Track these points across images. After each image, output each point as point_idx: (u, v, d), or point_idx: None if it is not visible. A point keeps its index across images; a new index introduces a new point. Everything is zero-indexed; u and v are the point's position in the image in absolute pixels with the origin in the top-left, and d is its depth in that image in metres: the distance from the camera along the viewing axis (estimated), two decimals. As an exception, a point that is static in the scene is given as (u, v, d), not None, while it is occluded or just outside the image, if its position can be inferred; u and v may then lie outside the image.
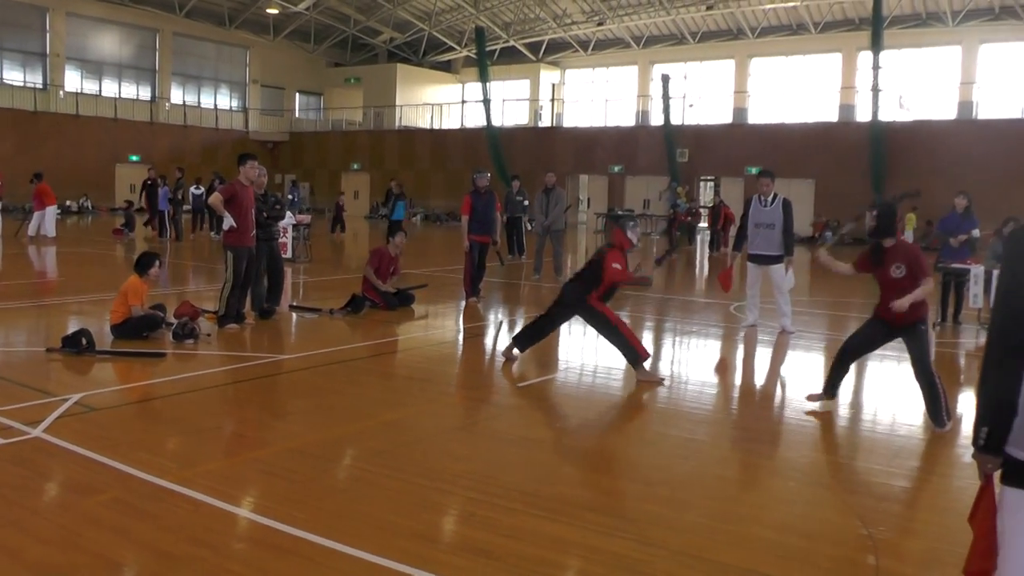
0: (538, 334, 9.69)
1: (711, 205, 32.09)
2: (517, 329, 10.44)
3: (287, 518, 4.92)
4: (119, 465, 5.71)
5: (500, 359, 9.85)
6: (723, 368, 10.54)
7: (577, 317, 9.58)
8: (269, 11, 47.56)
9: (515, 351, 9.77)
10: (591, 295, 9.07)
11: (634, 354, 8.99)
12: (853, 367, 8.17)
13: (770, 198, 12.10)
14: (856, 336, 7.93)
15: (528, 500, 5.53)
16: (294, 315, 12.55)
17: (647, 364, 9.14)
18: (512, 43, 48.87)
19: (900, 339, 7.67)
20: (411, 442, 6.69)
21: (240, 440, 6.77)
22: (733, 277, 12.94)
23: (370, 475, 5.82)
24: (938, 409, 7.32)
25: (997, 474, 3.00)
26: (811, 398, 8.13)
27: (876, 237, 7.65)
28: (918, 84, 39.43)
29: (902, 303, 7.24)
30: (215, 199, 10.98)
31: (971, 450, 6.52)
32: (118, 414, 7.28)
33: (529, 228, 23.60)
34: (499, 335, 12.09)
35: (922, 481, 6.36)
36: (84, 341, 9.11)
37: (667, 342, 12.21)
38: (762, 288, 12.45)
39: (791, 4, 40.94)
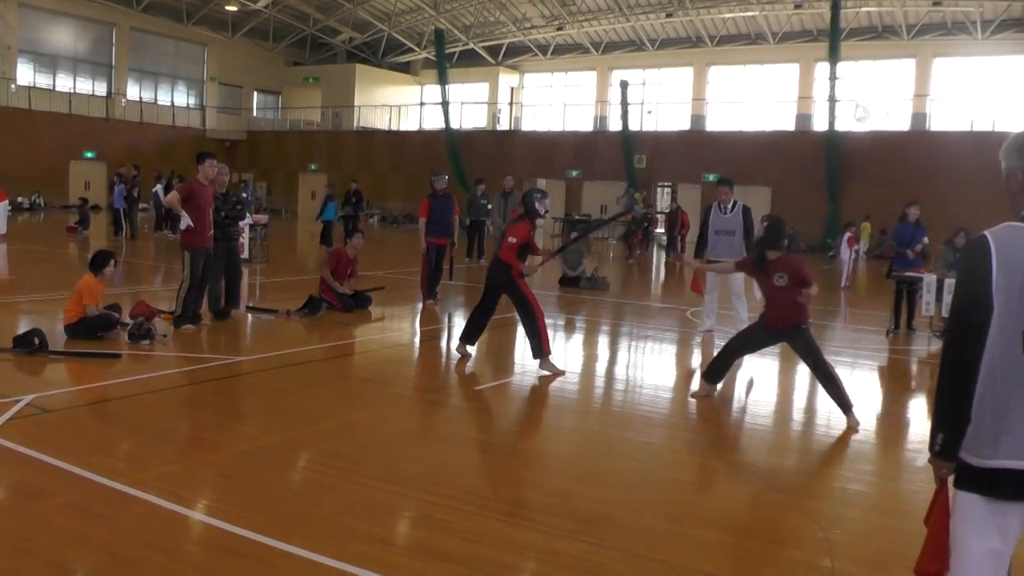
0: (481, 322, 9.95)
1: (669, 211, 32.28)
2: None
3: (244, 521, 4.87)
4: (72, 468, 5.60)
5: (456, 361, 9.88)
6: (681, 373, 10.60)
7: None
8: (228, 8, 47.06)
9: (467, 348, 10.01)
10: (513, 272, 9.41)
11: (540, 346, 9.30)
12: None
13: (729, 205, 12.27)
14: (741, 336, 8.48)
15: (485, 503, 5.54)
16: (251, 316, 12.44)
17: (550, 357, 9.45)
18: (472, 46, 48.87)
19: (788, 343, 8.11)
20: (368, 445, 6.66)
21: (196, 442, 6.67)
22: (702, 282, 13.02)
23: (327, 478, 5.77)
24: (842, 397, 7.74)
25: (951, 479, 3.05)
26: (697, 394, 8.63)
27: (762, 248, 8.17)
28: (874, 95, 40.09)
29: (809, 294, 7.85)
30: (172, 198, 10.86)
31: (922, 454, 6.69)
32: (71, 416, 7.15)
33: (490, 231, 23.64)
34: (456, 338, 12.06)
35: (875, 485, 6.44)
36: (36, 341, 8.95)
37: (623, 346, 12.27)
38: (720, 294, 12.54)
39: (750, 14, 41.36)
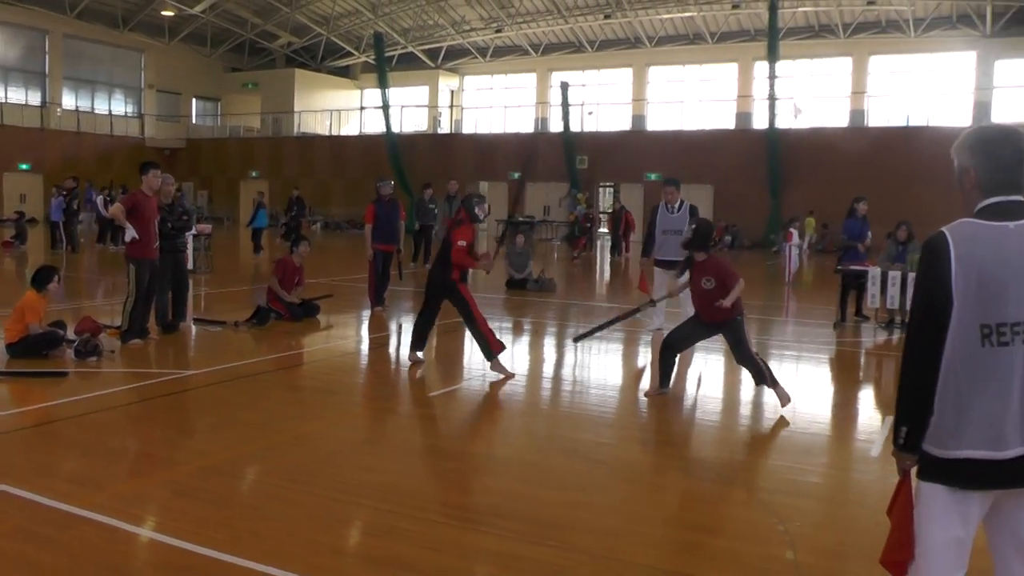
0: (426, 327, 10.00)
1: (612, 211, 32.46)
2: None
3: (204, 539, 4.78)
4: (21, 492, 5.43)
5: (407, 368, 9.85)
6: (632, 372, 10.66)
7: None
8: (165, 13, 46.04)
9: (418, 355, 10.04)
10: (452, 274, 9.52)
11: (488, 348, 9.43)
12: (736, 371, 8.55)
13: (676, 205, 12.37)
14: (678, 331, 8.70)
15: (446, 511, 5.54)
16: (199, 328, 12.22)
17: (501, 357, 9.55)
18: (411, 49, 48.68)
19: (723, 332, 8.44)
20: (324, 456, 6.59)
21: (150, 460, 6.54)
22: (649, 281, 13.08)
23: (285, 491, 5.70)
24: (763, 378, 8.20)
25: (913, 470, 3.11)
26: (649, 394, 8.74)
27: (690, 249, 8.47)
28: (812, 93, 40.85)
29: (728, 301, 8.04)
30: (116, 210, 10.63)
31: (874, 445, 6.81)
32: (18, 438, 6.94)
33: (437, 237, 23.60)
34: (406, 344, 12.00)
35: (830, 476, 6.54)
36: (-24, 361, 8.74)
37: (573, 347, 12.28)
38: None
39: (688, 14, 41.78)
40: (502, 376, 9.33)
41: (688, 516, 5.55)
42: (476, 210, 9.74)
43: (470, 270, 9.95)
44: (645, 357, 11.36)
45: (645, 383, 10.06)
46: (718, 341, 9.05)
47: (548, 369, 10.74)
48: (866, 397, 9.26)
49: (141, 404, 8.18)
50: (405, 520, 5.23)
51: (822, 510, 5.74)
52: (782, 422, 7.83)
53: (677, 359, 8.78)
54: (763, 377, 8.20)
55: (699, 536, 5.17)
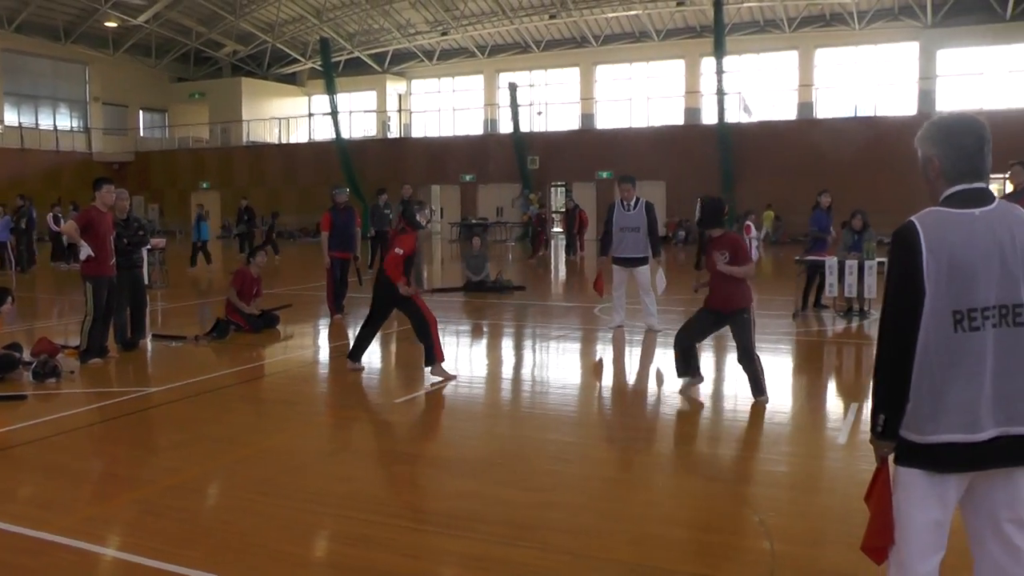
0: (369, 338, 9.96)
1: (566, 210, 32.49)
2: (384, 345, 10.35)
3: (180, 558, 4.72)
4: (-13, 519, 5.31)
5: (369, 377, 9.80)
6: (596, 370, 10.68)
7: None
8: (108, 24, 45.21)
9: (357, 365, 9.99)
10: (400, 285, 9.42)
11: (433, 353, 9.42)
12: (713, 362, 8.59)
13: (632, 202, 12.40)
14: (688, 325, 8.56)
15: (422, 517, 5.52)
16: (156, 344, 12.02)
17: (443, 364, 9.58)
18: (357, 54, 48.43)
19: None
20: (294, 468, 6.53)
21: (117, 481, 6.40)
22: (604, 281, 13.13)
23: (257, 505, 5.63)
24: (759, 385, 8.09)
25: (891, 456, 3.15)
26: (683, 391, 8.62)
27: (701, 226, 8.49)
28: (760, 87, 41.33)
29: (732, 269, 7.97)
30: (69, 227, 10.43)
31: (841, 432, 6.90)
32: (-22, 463, 6.79)
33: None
34: (367, 352, 11.95)
35: (800, 466, 6.60)
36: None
37: (536, 347, 12.31)
38: (628, 290, 12.70)
39: (633, 13, 42.03)
40: (443, 380, 9.38)
41: (661, 511, 5.57)
42: (417, 217, 9.65)
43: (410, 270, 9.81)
44: (608, 354, 11.38)
45: (613, 380, 10.12)
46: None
47: (513, 371, 10.72)
48: (829, 385, 9.37)
49: (104, 424, 8.04)
50: (379, 528, 5.21)
51: (795, 499, 5.79)
52: (749, 412, 7.90)
53: (694, 351, 8.69)
54: (760, 387, 8.09)
55: (674, 530, 5.20)
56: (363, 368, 10.00)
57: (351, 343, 11.41)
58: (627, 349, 11.61)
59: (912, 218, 3.04)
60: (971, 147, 3.07)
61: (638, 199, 12.49)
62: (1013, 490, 3.03)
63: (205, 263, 25.03)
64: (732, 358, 10.59)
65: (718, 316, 8.28)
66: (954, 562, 3.31)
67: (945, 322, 2.94)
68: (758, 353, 8.19)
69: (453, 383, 9.34)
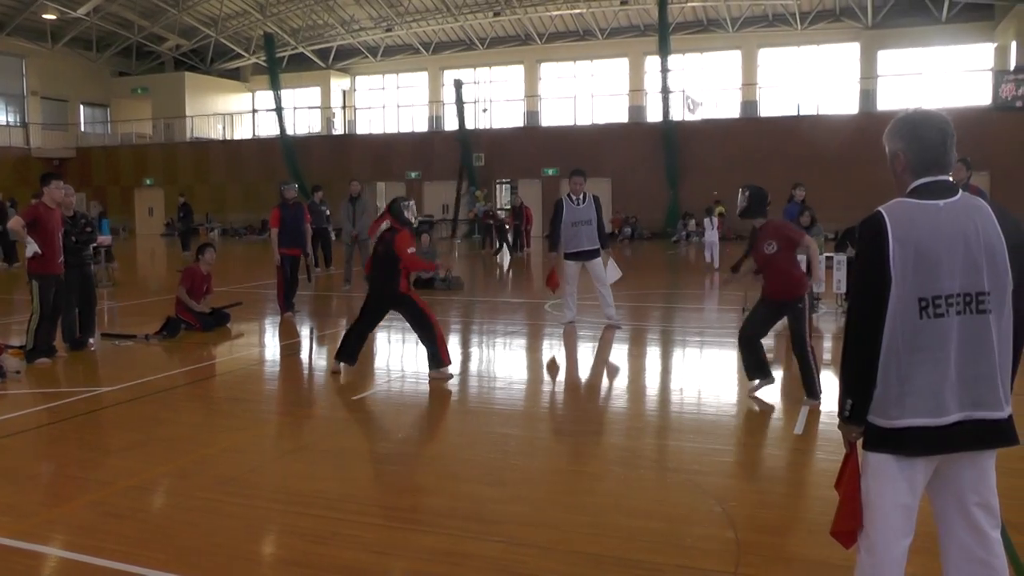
0: (360, 339, 9.61)
1: (513, 207, 32.55)
2: (338, 342, 10.16)
3: (144, 560, 4.68)
4: (-60, 526, 5.19)
5: (325, 374, 9.71)
6: (551, 365, 10.73)
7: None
8: (46, 17, 43.99)
9: (342, 365, 9.65)
10: (400, 284, 9.16)
11: (439, 358, 9.21)
12: (661, 357, 8.61)
13: (581, 197, 12.47)
14: (751, 320, 8.30)
15: (388, 513, 5.53)
16: (106, 343, 11.77)
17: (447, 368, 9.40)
18: (301, 50, 48.01)
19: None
20: (257, 466, 6.50)
21: (74, 483, 6.25)
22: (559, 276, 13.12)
23: (222, 505, 5.59)
24: (811, 382, 7.86)
25: (859, 442, 3.25)
26: (751, 391, 8.35)
27: (746, 216, 8.17)
28: (704, 86, 41.76)
29: (817, 267, 8.15)
30: (15, 223, 10.12)
31: (797, 423, 7.02)
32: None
33: (334, 239, 23.38)
34: (320, 349, 11.92)
35: (761, 455, 6.73)
36: None
37: (491, 344, 12.32)
38: (582, 284, 12.78)
39: (577, 11, 42.25)
40: (441, 377, 9.24)
41: (627, 503, 5.62)
42: (405, 214, 9.36)
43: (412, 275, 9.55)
44: (560, 351, 11.43)
45: (570, 375, 10.17)
46: (643, 326, 9.21)
47: (471, 367, 10.64)
48: (782, 377, 9.51)
49: (55, 425, 7.85)
50: (347, 525, 5.21)
51: (756, 489, 5.90)
52: (708, 407, 8.01)
53: (761, 349, 8.32)
54: (810, 380, 7.86)
55: (640, 522, 5.25)
56: (340, 371, 9.63)
57: (303, 340, 11.33)
58: (579, 344, 11.69)
59: (879, 208, 3.16)
60: (935, 141, 3.19)
61: (585, 194, 12.56)
62: (979, 474, 3.16)
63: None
64: (685, 351, 10.82)
65: (777, 307, 8.07)
66: (922, 545, 3.41)
67: (911, 309, 3.05)
68: (812, 348, 7.95)
69: (412, 379, 9.33)
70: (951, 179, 3.21)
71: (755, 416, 7.86)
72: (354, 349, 9.59)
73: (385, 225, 9.49)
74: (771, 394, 8.35)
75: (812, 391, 7.86)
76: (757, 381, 8.26)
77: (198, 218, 43.29)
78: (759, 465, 6.47)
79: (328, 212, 22.35)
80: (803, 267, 8.29)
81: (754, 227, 8.12)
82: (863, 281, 3.16)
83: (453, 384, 9.27)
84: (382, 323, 9.86)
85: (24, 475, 6.40)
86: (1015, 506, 4.79)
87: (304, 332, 13.15)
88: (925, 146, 3.19)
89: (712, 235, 23.48)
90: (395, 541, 5.03)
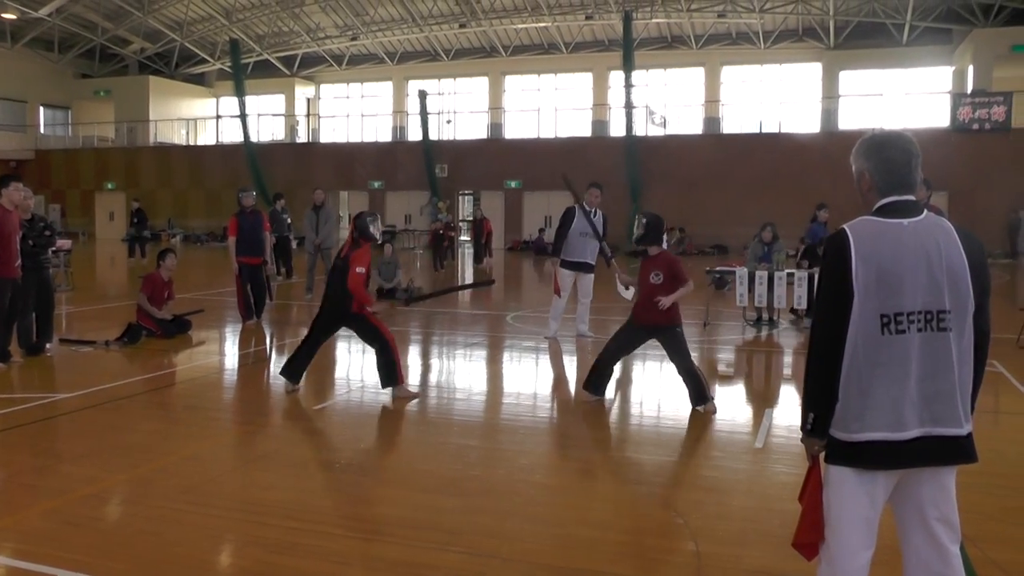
0: (308, 356, 9.23)
1: (474, 219, 32.53)
2: (286, 358, 9.84)
3: (103, 570, 4.63)
4: None
5: (283, 383, 9.56)
6: (517, 377, 10.76)
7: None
8: (5, 16, 42.98)
9: (293, 385, 9.21)
10: (354, 303, 8.86)
11: (394, 375, 8.91)
12: (630, 370, 8.65)
13: (594, 210, 12.33)
14: (615, 340, 8.53)
15: (349, 524, 5.51)
16: (64, 349, 11.61)
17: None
18: (266, 56, 47.78)
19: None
20: (217, 476, 6.44)
21: (30, 491, 6.10)
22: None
23: (181, 514, 5.52)
24: (701, 392, 8.16)
25: (821, 455, 3.30)
26: (579, 400, 8.69)
27: (643, 244, 8.39)
28: (667, 102, 42.13)
29: (665, 302, 8.00)
30: None
31: (758, 437, 7.08)
32: None
33: (294, 247, 23.29)
34: (280, 358, 11.82)
35: (719, 469, 6.76)
36: None
37: (453, 355, 12.30)
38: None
39: (542, 25, 42.45)
40: (406, 398, 8.98)
41: (588, 515, 5.64)
42: (371, 229, 8.98)
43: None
44: (521, 363, 11.46)
45: (538, 388, 10.19)
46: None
47: (431, 379, 10.64)
48: (742, 392, 9.59)
49: (10, 432, 7.68)
50: (308, 536, 5.18)
51: (717, 501, 5.93)
52: (667, 420, 8.06)
53: (615, 369, 8.68)
54: (703, 396, 8.14)
55: (601, 533, 5.28)
56: (298, 390, 9.24)
57: (265, 349, 11.21)
58: (540, 356, 11.72)
59: (844, 226, 3.23)
60: (899, 161, 3.26)
61: (597, 209, 12.47)
62: (940, 489, 3.21)
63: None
64: (645, 364, 10.86)
65: (646, 331, 8.33)
66: (882, 558, 3.46)
67: (873, 325, 3.10)
68: (697, 366, 8.31)
69: (373, 390, 9.28)
70: (916, 199, 3.27)
71: (715, 429, 7.91)
72: (300, 367, 9.22)
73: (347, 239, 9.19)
74: (732, 409, 8.42)
75: (704, 398, 8.18)
76: (592, 397, 8.60)
77: (160, 223, 43.06)
78: (719, 478, 6.51)
79: (290, 220, 22.27)
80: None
81: (647, 253, 8.35)
82: (826, 297, 3.22)
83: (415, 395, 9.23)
84: (342, 333, 9.74)
85: (-23, 482, 6.27)
86: (974, 520, 4.87)
87: (265, 341, 13.04)
88: (891, 167, 3.26)
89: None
90: (355, 551, 5.01)
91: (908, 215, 3.19)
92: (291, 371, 9.22)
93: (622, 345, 8.53)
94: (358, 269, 8.71)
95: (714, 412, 8.12)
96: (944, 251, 3.13)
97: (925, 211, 3.23)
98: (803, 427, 3.29)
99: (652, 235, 8.31)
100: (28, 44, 46.58)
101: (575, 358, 11.62)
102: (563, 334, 12.79)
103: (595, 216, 12.32)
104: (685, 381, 8.23)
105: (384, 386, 8.99)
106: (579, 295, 12.71)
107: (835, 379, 3.18)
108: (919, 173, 3.30)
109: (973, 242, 3.19)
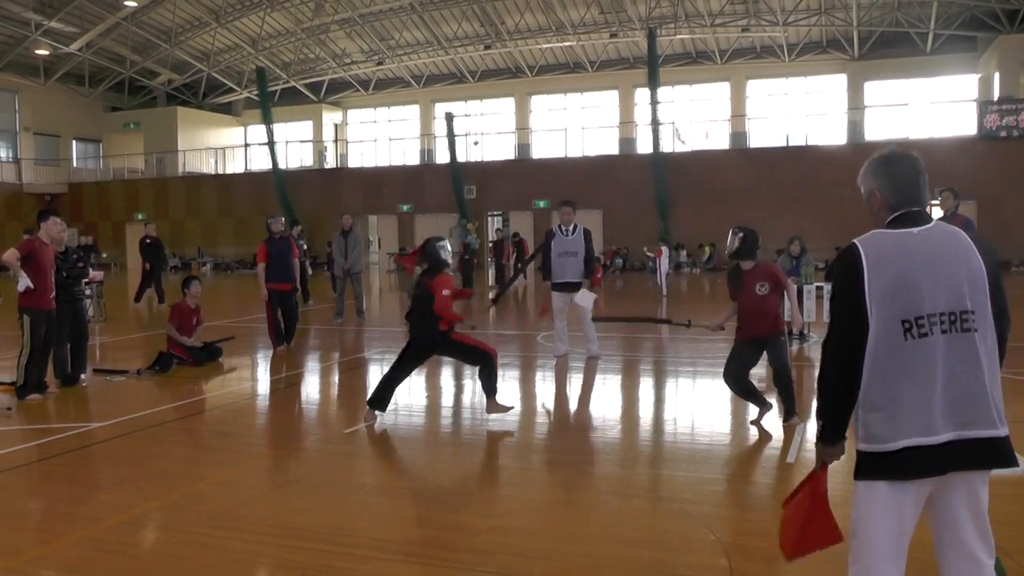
0: (393, 385, 8.99)
1: (514, 239, 32.37)
2: (330, 376, 9.86)
3: (136, 595, 4.66)
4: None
5: (316, 408, 9.55)
6: (541, 397, 10.72)
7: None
8: (38, 52, 44.15)
9: (376, 413, 8.96)
10: (441, 326, 8.71)
11: (495, 386, 8.88)
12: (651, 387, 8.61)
13: (571, 228, 12.43)
14: (733, 360, 8.34)
15: (381, 546, 5.50)
16: (97, 379, 11.66)
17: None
18: (293, 84, 48.28)
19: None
20: (249, 501, 6.47)
21: (64, 519, 6.18)
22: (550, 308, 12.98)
23: (213, 539, 5.56)
24: (791, 406, 8.15)
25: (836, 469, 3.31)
26: (755, 422, 8.40)
27: (738, 258, 8.28)
28: (694, 117, 42.16)
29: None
30: (10, 256, 9.98)
31: (790, 452, 7.01)
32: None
33: (310, 272, 23.60)
34: (311, 383, 11.91)
35: (756, 484, 6.74)
36: None
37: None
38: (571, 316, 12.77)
39: (567, 44, 42.62)
40: (500, 412, 8.90)
41: (619, 532, 5.61)
42: (442, 255, 8.82)
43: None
44: (549, 386, 11.42)
45: (562, 407, 10.16)
46: (625, 359, 9.16)
47: (455, 400, 10.62)
48: (775, 406, 9.51)
49: (46, 462, 7.79)
50: (339, 558, 5.19)
51: (749, 518, 5.90)
52: (701, 436, 8.00)
53: (750, 384, 8.44)
54: (792, 410, 8.12)
55: (634, 551, 5.25)
56: (376, 420, 8.88)
57: (298, 375, 11.22)
58: (570, 375, 11.69)
59: (854, 240, 3.26)
60: (908, 177, 3.30)
61: (576, 225, 12.54)
62: (972, 501, 3.19)
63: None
64: (678, 381, 10.82)
65: (757, 344, 8.23)
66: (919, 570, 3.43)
67: (895, 332, 3.11)
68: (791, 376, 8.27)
69: (405, 412, 9.28)
70: (926, 210, 3.29)
71: (748, 445, 7.87)
72: (385, 396, 8.96)
73: (419, 269, 9.09)
74: (764, 423, 8.35)
75: (790, 414, 8.17)
76: (764, 409, 8.38)
77: (190, 252, 43.49)
78: (752, 494, 6.47)
79: (306, 246, 22.50)
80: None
81: (740, 268, 8.24)
82: (840, 310, 3.24)
83: (444, 415, 9.24)
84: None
85: (14, 512, 6.35)
86: (1010, 532, 4.81)
87: (297, 367, 13.09)
88: (899, 184, 3.30)
89: (662, 265, 25.65)
90: (388, 573, 5.02)
91: (917, 224, 3.24)
92: (378, 401, 8.93)
93: (741, 364, 8.29)
94: (444, 292, 8.62)
95: (796, 424, 8.09)
96: (960, 254, 3.16)
97: (934, 219, 3.27)
98: (820, 436, 3.35)
99: (748, 248, 8.22)
100: (60, 79, 47.50)
101: (599, 375, 11.57)
102: (579, 351, 12.74)
103: (574, 233, 12.40)
104: (780, 392, 8.19)
105: (489, 397, 8.91)
106: (580, 315, 12.60)
107: (851, 389, 3.19)
108: (927, 189, 3.33)
109: (985, 248, 3.22)
